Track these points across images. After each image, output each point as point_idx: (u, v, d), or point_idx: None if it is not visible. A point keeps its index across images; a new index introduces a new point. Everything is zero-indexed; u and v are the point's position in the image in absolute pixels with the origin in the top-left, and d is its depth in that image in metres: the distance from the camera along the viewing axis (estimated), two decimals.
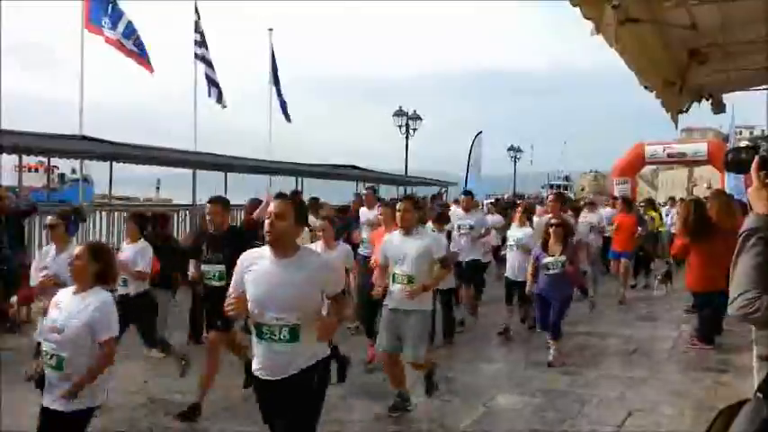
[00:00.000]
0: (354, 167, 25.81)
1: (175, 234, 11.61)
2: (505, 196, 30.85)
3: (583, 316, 9.19)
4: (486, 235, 9.19)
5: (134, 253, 6.12)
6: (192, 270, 5.80)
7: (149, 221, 7.15)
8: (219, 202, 5.52)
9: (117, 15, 14.49)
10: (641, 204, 15.46)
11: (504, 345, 8.07)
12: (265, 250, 3.32)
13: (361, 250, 8.39)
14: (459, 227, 8.60)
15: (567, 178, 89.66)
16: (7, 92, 12.49)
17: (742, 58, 4.69)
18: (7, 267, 7.94)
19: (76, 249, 3.84)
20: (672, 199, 20.67)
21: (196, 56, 17.32)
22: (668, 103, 5.42)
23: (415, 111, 24.87)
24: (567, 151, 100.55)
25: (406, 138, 24.74)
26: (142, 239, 6.26)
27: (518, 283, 8.06)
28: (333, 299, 3.42)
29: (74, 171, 42.92)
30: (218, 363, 5.44)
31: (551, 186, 77.24)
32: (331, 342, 4.52)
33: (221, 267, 5.15)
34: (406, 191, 27.12)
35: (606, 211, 12.92)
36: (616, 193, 21.19)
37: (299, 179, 21.11)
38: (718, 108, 5.93)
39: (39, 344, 4.25)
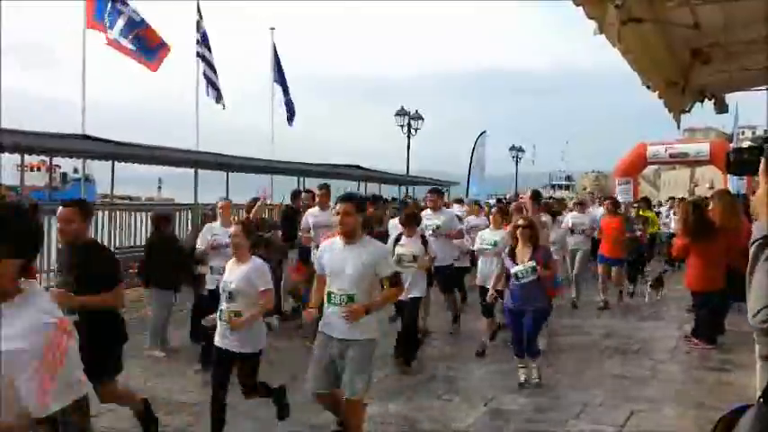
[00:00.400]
0: (358, 167, 25.78)
1: (178, 234, 11.60)
2: (507, 196, 30.84)
3: (583, 316, 9.18)
4: (457, 237, 8.66)
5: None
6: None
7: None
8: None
9: (116, 14, 14.50)
10: (635, 205, 14.87)
11: (505, 345, 8.06)
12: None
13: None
14: (426, 227, 7.94)
15: (568, 178, 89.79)
16: (8, 92, 12.46)
17: (744, 58, 4.67)
18: None
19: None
20: (672, 199, 20.66)
21: (198, 55, 17.37)
22: (670, 103, 5.41)
23: (416, 110, 24.84)
24: (568, 151, 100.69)
25: (408, 137, 24.67)
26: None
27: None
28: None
29: (76, 170, 43.12)
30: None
31: (553, 186, 77.31)
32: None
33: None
34: (407, 191, 27.11)
35: (600, 211, 11.93)
36: (617, 194, 21.16)
37: (302, 179, 21.08)
38: (721, 108, 5.91)
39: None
